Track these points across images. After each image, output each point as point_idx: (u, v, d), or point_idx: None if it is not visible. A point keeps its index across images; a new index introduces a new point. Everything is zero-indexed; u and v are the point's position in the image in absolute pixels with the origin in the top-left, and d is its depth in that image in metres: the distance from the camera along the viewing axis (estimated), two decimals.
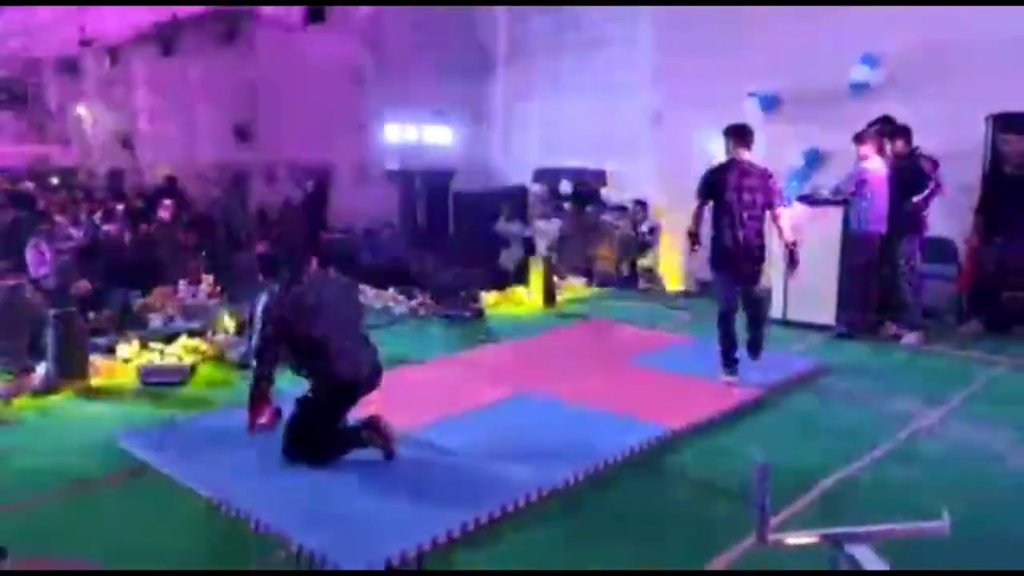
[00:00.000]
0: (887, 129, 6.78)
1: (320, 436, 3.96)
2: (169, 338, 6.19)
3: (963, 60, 7.50)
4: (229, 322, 6.54)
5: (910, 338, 6.64)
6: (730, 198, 5.28)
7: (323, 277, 4.30)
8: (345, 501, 3.56)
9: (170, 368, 5.48)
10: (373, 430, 3.96)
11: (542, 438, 4.33)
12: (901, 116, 7.03)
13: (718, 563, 3.04)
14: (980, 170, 7.06)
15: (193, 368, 5.56)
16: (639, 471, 3.96)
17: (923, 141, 6.90)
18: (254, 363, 3.95)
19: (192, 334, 6.31)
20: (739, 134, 5.44)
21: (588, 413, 4.71)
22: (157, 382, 5.37)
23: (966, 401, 5.06)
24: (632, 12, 10.62)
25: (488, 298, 8.43)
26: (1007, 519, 3.40)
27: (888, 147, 6.75)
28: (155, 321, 6.95)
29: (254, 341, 3.93)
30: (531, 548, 3.22)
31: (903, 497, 3.59)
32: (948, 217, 7.00)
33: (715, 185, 5.33)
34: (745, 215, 5.27)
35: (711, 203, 5.37)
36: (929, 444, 4.32)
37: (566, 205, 10.74)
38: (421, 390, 5.25)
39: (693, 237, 5.49)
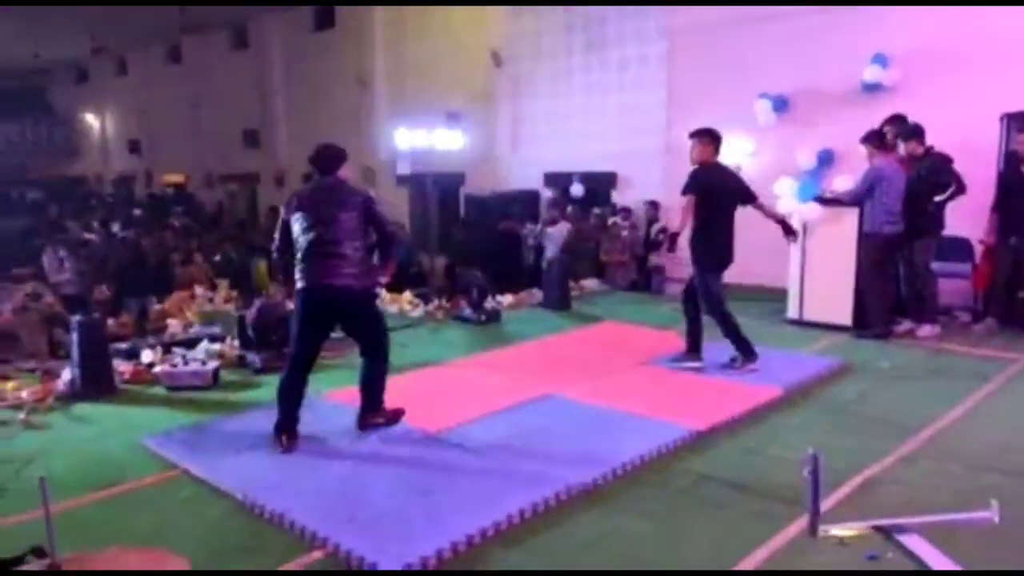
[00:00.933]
0: (901, 130, 6.80)
1: (294, 339, 4.26)
2: (190, 343, 6.23)
3: (976, 58, 7.55)
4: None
5: (925, 330, 6.67)
6: (722, 201, 5.45)
7: (343, 183, 4.31)
8: (378, 500, 3.58)
9: (193, 372, 5.52)
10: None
11: (569, 439, 4.35)
12: (914, 115, 7.07)
13: (756, 557, 3.05)
14: (995, 169, 7.07)
15: (216, 372, 5.59)
16: (667, 471, 3.97)
17: (937, 140, 6.93)
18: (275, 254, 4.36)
19: (213, 339, 6.36)
20: (719, 138, 5.53)
21: (613, 414, 4.74)
22: (181, 386, 5.41)
23: (988, 398, 5.07)
24: (640, 12, 10.65)
25: (503, 300, 8.47)
26: None
27: (902, 148, 6.76)
28: (174, 327, 7.00)
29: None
30: (563, 546, 3.24)
31: (938, 491, 3.59)
32: (962, 216, 7.00)
33: (708, 186, 5.41)
34: (732, 216, 5.54)
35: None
36: (955, 440, 4.32)
37: (569, 208, 10.76)
38: (446, 392, 5.29)
39: (675, 238, 5.56)
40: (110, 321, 6.73)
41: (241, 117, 18.26)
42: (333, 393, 5.19)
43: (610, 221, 10.45)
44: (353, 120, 15.17)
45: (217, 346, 6.21)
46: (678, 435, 4.34)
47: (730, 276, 5.85)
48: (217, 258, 10.50)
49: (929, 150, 6.74)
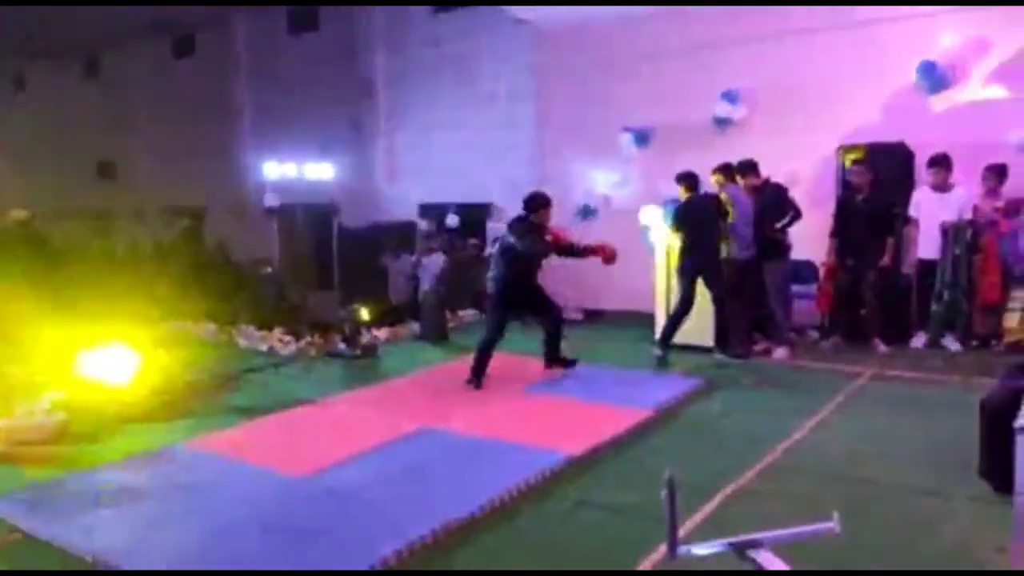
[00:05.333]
0: (738, 166, 7.25)
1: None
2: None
3: (813, 95, 8.22)
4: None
5: (779, 352, 7.11)
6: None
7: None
8: (245, 553, 3.39)
9: (36, 426, 5.06)
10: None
11: (446, 473, 4.31)
12: (762, 147, 7.61)
13: None
14: (834, 196, 7.68)
15: (63, 425, 5.16)
16: (542, 499, 4.00)
17: (781, 170, 7.49)
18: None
19: None
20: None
21: (488, 445, 4.74)
22: (21, 441, 4.95)
23: (837, 410, 5.45)
24: (509, 47, 10.94)
25: (378, 334, 8.33)
26: (884, 515, 3.67)
27: (741, 182, 7.24)
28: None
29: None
30: None
31: (794, 502, 3.81)
32: (809, 241, 7.56)
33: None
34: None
35: None
36: (808, 452, 4.61)
37: (440, 240, 10.77)
38: (317, 432, 5.12)
39: None
40: None
41: (94, 149, 17.21)
42: (192, 442, 4.92)
43: (486, 252, 10.53)
44: (219, 151, 14.63)
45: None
46: (555, 462, 4.39)
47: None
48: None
49: (766, 181, 7.29)
